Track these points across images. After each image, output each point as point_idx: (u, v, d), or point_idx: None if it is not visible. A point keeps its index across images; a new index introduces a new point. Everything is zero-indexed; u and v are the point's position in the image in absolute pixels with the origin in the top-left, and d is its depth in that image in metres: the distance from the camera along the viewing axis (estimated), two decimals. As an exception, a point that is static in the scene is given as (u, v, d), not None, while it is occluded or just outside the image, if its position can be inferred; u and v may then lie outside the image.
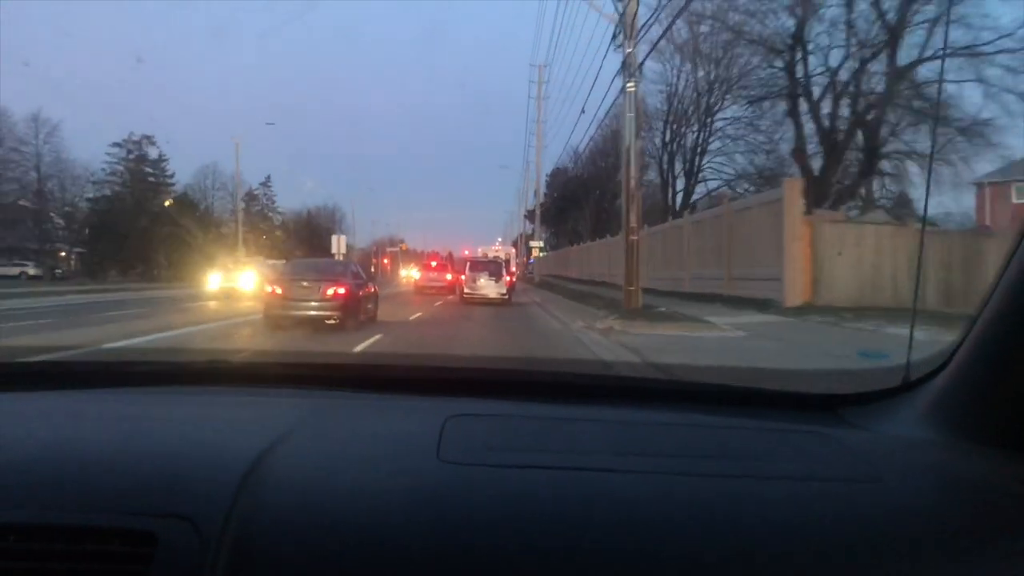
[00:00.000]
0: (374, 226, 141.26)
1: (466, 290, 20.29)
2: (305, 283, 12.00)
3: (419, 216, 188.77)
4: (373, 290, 14.20)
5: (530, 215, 75.61)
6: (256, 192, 75.99)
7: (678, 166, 38.48)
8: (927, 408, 1.11)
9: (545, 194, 51.33)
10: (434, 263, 31.88)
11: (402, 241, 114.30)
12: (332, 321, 11.75)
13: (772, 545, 0.82)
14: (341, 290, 11.92)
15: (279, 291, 12.05)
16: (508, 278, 21.13)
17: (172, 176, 56.04)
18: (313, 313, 11.75)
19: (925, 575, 0.79)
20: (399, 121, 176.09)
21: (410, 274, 71.50)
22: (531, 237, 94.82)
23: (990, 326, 1.00)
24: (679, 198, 37.96)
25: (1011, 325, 0.97)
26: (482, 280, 20.10)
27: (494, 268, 20.92)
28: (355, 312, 12.30)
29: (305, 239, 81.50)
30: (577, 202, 50.82)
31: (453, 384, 1.41)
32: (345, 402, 1.34)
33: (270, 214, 77.60)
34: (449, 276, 27.10)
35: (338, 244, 26.07)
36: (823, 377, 2.03)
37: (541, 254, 50.03)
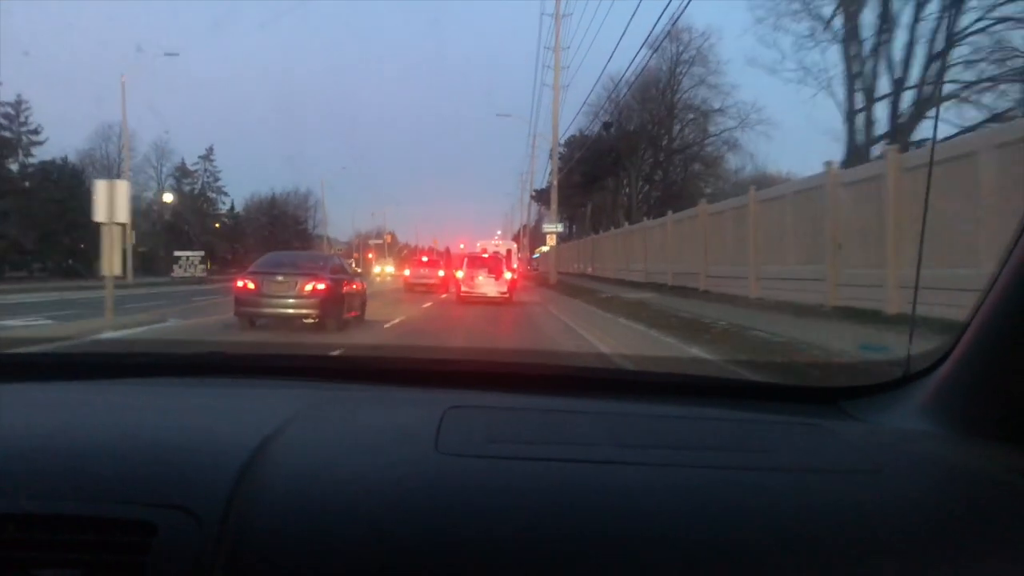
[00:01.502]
0: (369, 218, 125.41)
1: (464, 288, 18.92)
2: (280, 277, 10.75)
3: (414, 210, 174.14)
4: (360, 287, 12.75)
5: (539, 195, 60.44)
6: (194, 168, 60.01)
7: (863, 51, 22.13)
8: (927, 401, 1.11)
9: (559, 168, 35.47)
10: (425, 258, 29.34)
11: (388, 233, 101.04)
12: (310, 320, 10.73)
13: (772, 536, 0.82)
14: (321, 285, 10.70)
15: (251, 286, 10.67)
16: (510, 275, 19.47)
17: (38, 131, 40.22)
18: (289, 311, 10.66)
19: (923, 567, 0.80)
20: (391, 106, 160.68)
21: (385, 270, 57.46)
22: (538, 225, 79.72)
23: (990, 319, 0.99)
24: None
25: (1010, 318, 0.97)
26: (481, 277, 18.81)
27: (494, 264, 19.56)
28: (337, 310, 11.07)
29: (264, 227, 66.80)
30: (615, 163, 35.00)
31: (452, 376, 1.41)
32: (344, 393, 1.33)
33: (212, 195, 61.67)
34: (442, 272, 25.87)
35: (108, 197, 10.47)
36: (824, 370, 2.18)
37: (549, 245, 34.36)
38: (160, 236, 54.81)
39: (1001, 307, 0.97)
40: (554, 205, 34.03)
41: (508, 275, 19.14)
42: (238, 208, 67.71)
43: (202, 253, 41.53)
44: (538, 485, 0.89)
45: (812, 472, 0.94)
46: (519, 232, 79.58)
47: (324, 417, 1.13)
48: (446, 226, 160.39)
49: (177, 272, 40.36)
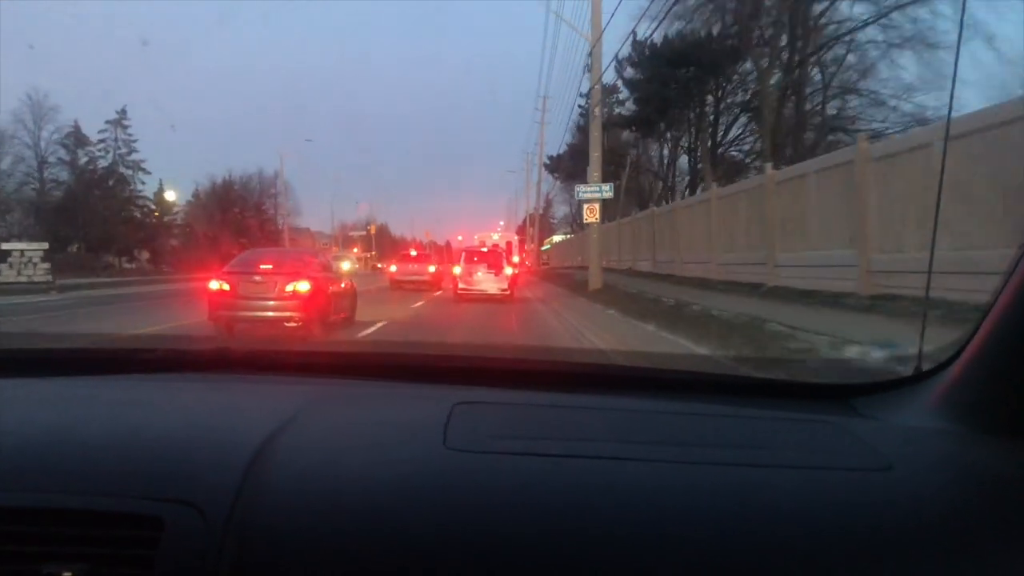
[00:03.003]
0: (362, 209, 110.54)
1: (461, 285, 17.99)
2: (258, 277, 9.71)
3: (410, 201, 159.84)
4: (349, 286, 11.69)
5: (555, 163, 45.66)
6: (101, 137, 45.28)
7: None
8: (939, 398, 1.10)
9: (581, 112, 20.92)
10: (414, 252, 28.22)
11: (372, 224, 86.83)
12: (293, 324, 9.59)
13: (782, 534, 0.82)
14: (303, 286, 9.64)
15: (227, 287, 9.60)
16: (511, 270, 18.54)
17: None
18: (269, 314, 9.57)
19: (936, 564, 0.79)
20: (382, 83, 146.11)
21: (352, 266, 43.13)
22: (547, 211, 64.19)
23: (1003, 315, 0.98)
24: None
25: None
26: (480, 273, 17.83)
27: (493, 259, 18.54)
28: (323, 313, 10.03)
29: (213, 215, 52.40)
30: (705, 78, 20.20)
31: (459, 372, 1.40)
32: (351, 389, 1.33)
33: (126, 171, 46.96)
34: (433, 268, 23.85)
35: None
36: (835, 367, 2.11)
37: (588, 220, 19.99)
38: (49, 224, 40.53)
39: (1014, 303, 0.95)
40: (596, 153, 19.56)
41: (509, 270, 18.24)
42: (186, 194, 53.64)
43: (44, 247, 27.07)
44: (545, 481, 0.89)
45: (822, 470, 0.94)
46: (525, 220, 64.96)
47: (330, 413, 1.14)
48: (445, 218, 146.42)
49: (6, 274, 26.18)
